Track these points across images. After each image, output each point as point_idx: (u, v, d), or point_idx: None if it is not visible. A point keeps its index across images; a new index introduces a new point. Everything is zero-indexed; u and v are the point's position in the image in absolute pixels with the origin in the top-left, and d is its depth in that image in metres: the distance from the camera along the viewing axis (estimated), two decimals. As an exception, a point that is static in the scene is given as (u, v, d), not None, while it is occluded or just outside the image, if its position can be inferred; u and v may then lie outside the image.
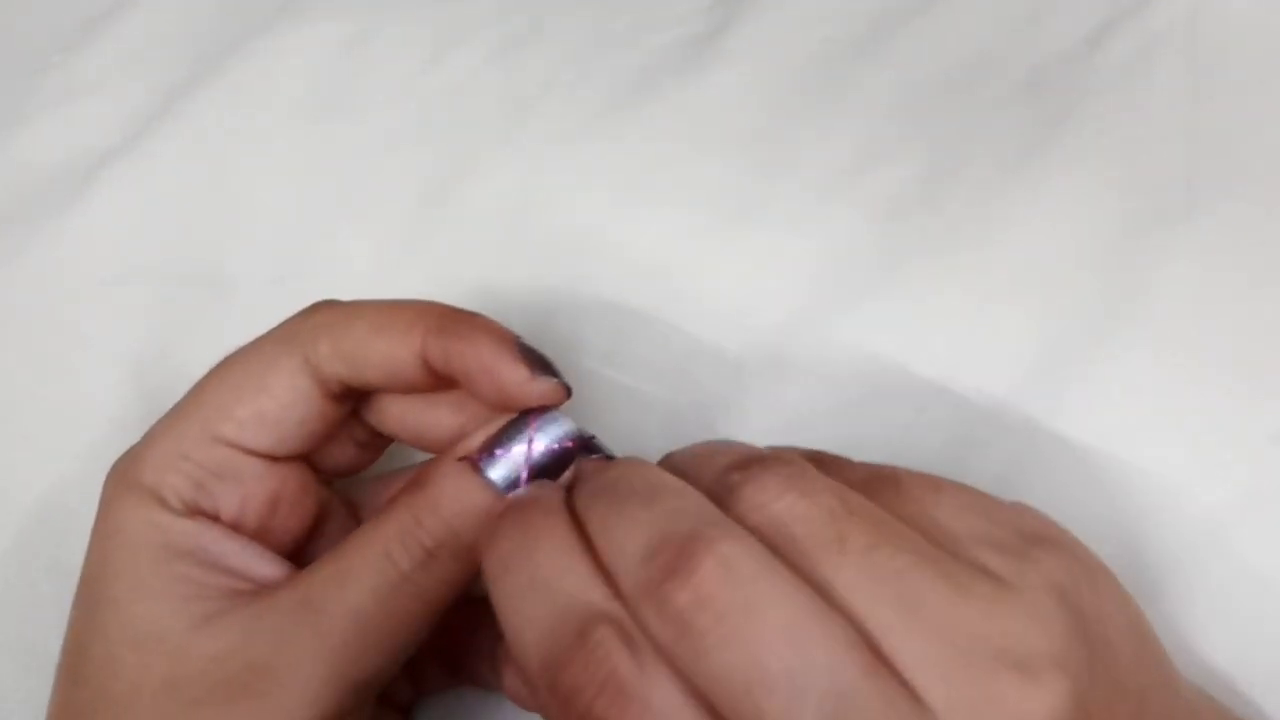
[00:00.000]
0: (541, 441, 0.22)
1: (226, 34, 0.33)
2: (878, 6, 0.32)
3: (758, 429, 0.28)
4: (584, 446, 0.22)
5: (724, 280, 0.29)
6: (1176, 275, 0.28)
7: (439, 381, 0.23)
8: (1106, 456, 0.26)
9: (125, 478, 0.23)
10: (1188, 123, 0.30)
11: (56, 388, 0.31)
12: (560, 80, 0.32)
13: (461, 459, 0.22)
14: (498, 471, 0.22)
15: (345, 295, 0.24)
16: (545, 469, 0.22)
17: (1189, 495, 0.26)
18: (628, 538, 0.18)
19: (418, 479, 0.22)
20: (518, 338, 0.22)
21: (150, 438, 0.23)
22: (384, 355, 0.22)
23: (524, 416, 0.22)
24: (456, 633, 0.25)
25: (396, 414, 0.24)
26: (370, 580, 0.21)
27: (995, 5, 0.32)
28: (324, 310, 0.23)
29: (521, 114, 0.32)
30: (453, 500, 0.22)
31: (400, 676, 0.26)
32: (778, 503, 0.18)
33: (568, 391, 0.22)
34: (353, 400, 0.24)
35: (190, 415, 0.23)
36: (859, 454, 0.27)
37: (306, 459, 0.25)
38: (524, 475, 0.22)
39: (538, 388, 0.22)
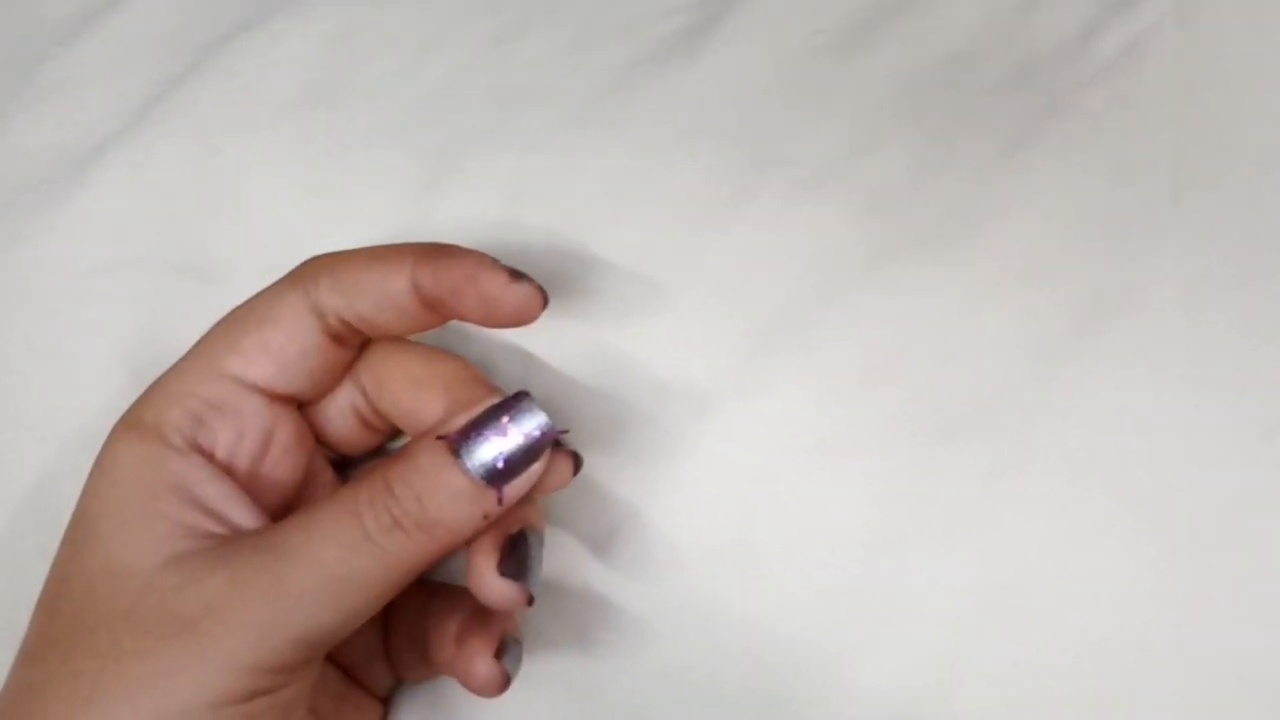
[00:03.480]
0: (516, 429, 0.23)
1: (221, 27, 0.33)
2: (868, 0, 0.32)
3: (747, 423, 0.28)
4: (554, 442, 0.23)
5: (712, 272, 0.29)
6: (1164, 269, 0.28)
7: (430, 311, 0.24)
8: (1095, 452, 0.27)
9: (128, 416, 0.24)
10: (1176, 116, 0.30)
11: (48, 375, 0.31)
12: (551, 72, 0.32)
13: (440, 437, 0.23)
14: (473, 454, 0.23)
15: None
16: (517, 457, 0.23)
17: (1182, 493, 0.26)
18: None
19: (398, 451, 0.23)
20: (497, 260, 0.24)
21: (157, 380, 0.24)
22: (379, 281, 0.24)
23: (503, 404, 0.23)
24: (429, 618, 0.26)
25: (392, 392, 0.25)
26: (334, 533, 0.22)
27: (984, -2, 0.32)
28: (322, 256, 0.25)
29: (512, 106, 0.32)
30: (424, 475, 0.22)
31: (379, 664, 0.27)
32: None
33: (545, 298, 0.24)
34: (351, 348, 0.25)
35: (197, 354, 0.24)
36: (853, 451, 0.27)
37: (305, 414, 0.26)
38: (500, 462, 0.23)
39: (517, 290, 0.24)
